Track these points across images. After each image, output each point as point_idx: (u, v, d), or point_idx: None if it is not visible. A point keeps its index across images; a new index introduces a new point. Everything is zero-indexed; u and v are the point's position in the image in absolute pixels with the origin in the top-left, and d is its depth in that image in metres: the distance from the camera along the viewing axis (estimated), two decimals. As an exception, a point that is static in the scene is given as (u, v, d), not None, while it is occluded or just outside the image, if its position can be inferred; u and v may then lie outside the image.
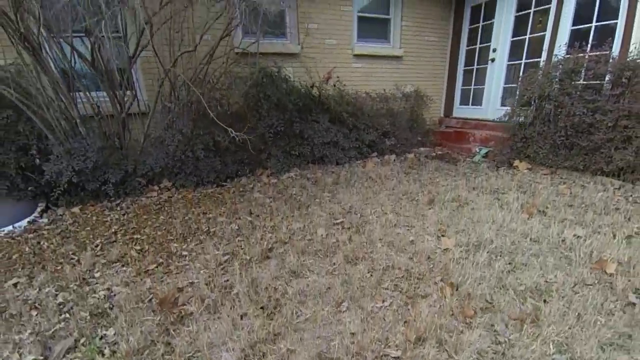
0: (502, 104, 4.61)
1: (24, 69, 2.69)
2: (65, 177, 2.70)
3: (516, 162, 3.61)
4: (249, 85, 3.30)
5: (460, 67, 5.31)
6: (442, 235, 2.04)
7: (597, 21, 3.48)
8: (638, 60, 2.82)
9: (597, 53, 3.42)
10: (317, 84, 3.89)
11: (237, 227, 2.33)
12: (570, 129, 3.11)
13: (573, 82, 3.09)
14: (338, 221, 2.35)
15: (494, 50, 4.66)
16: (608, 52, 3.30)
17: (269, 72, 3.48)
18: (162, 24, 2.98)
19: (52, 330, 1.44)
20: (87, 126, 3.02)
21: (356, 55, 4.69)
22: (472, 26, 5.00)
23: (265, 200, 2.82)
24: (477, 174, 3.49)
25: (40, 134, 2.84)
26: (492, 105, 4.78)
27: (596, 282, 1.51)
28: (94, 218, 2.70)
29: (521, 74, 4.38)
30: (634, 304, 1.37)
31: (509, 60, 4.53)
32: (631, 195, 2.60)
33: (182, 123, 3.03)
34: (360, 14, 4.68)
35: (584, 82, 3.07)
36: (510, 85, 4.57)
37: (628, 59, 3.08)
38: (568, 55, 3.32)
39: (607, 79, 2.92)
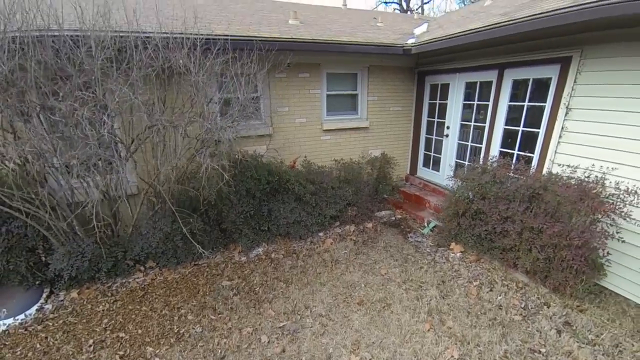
0: (454, 176, 5.16)
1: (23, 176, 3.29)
2: (66, 274, 3.34)
3: (452, 244, 4.19)
4: (221, 185, 3.88)
5: (423, 134, 5.86)
6: (355, 350, 2.64)
7: (523, 126, 4.02)
8: (541, 182, 3.36)
9: (524, 154, 4.00)
10: (283, 170, 4.45)
11: (200, 329, 2.94)
12: (489, 228, 3.68)
13: (492, 192, 3.63)
14: (281, 325, 2.96)
15: (448, 128, 5.20)
16: (528, 166, 3.87)
17: (244, 164, 4.08)
18: (145, 138, 3.56)
19: None
20: (81, 213, 3.62)
21: (325, 130, 5.25)
22: (432, 101, 5.53)
23: (229, 293, 3.43)
24: (417, 257, 4.07)
25: (45, 236, 3.46)
26: (446, 174, 5.33)
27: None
28: (89, 306, 3.33)
29: (468, 154, 4.95)
30: None
31: (458, 140, 5.08)
32: (525, 300, 3.18)
33: (163, 222, 3.63)
34: (329, 93, 5.23)
35: (502, 193, 3.61)
36: (460, 160, 5.12)
37: (544, 174, 3.63)
38: (494, 164, 3.88)
39: (519, 193, 3.45)
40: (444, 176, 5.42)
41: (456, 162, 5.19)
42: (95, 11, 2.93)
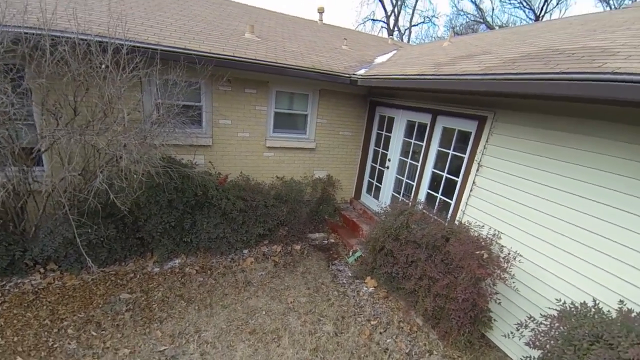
0: (390, 207, 5.27)
1: None
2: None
3: (368, 279, 4.28)
4: (140, 193, 3.78)
5: (369, 162, 5.96)
6: (223, 384, 2.63)
7: (447, 173, 4.16)
8: (445, 233, 3.47)
9: (445, 199, 4.15)
10: (210, 184, 4.39)
11: (75, 346, 2.85)
12: (398, 269, 3.77)
13: (403, 235, 3.72)
14: (162, 349, 2.91)
15: (389, 160, 5.31)
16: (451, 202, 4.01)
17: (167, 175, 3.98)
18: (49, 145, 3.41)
19: None
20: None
21: (269, 147, 5.24)
22: (379, 131, 5.64)
23: (123, 307, 3.34)
24: (330, 287, 4.12)
25: None
26: (383, 204, 5.44)
27: None
28: (-27, 306, 3.17)
29: (402, 189, 5.08)
30: None
31: (397, 173, 5.20)
32: (412, 346, 3.28)
33: (65, 227, 3.50)
34: (278, 110, 5.22)
35: (411, 237, 3.72)
36: (395, 193, 5.25)
37: (456, 222, 3.76)
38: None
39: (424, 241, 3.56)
40: (382, 205, 5.52)
41: (393, 194, 5.31)
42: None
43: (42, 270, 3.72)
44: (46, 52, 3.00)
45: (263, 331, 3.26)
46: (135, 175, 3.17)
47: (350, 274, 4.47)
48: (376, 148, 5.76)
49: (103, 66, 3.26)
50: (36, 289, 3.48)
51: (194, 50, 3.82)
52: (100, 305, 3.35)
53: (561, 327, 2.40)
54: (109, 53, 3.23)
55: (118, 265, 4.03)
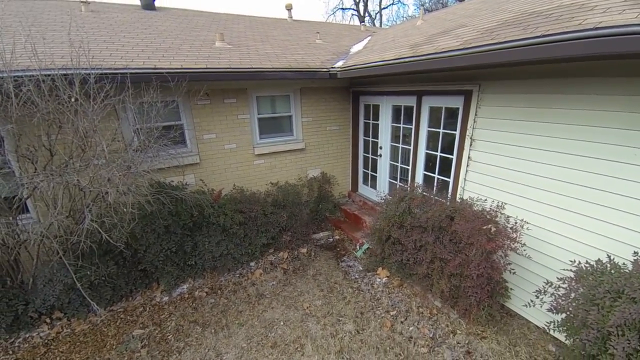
0: (390, 195, 5.24)
1: None
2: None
3: (379, 269, 4.25)
4: (134, 224, 3.65)
5: (361, 153, 5.91)
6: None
7: (441, 152, 4.13)
8: (448, 213, 3.46)
9: (442, 178, 4.13)
10: (206, 203, 4.27)
11: (95, 393, 2.76)
12: (407, 256, 3.75)
13: (407, 221, 3.70)
14: (185, 380, 2.84)
15: (381, 148, 5.27)
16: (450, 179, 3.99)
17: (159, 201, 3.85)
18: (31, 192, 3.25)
19: None
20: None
21: (258, 155, 5.13)
22: (366, 121, 5.58)
23: (138, 345, 3.24)
24: (344, 285, 4.08)
25: None
26: (382, 192, 5.39)
27: None
28: (-20, 371, 3.03)
29: (398, 174, 5.05)
30: None
31: (390, 160, 5.16)
32: (434, 329, 3.27)
33: (63, 273, 3.36)
34: (261, 116, 5.10)
35: (416, 222, 3.69)
36: (391, 180, 5.21)
37: (457, 199, 3.74)
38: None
39: (429, 224, 3.53)
40: (380, 194, 5.47)
41: (389, 181, 5.28)
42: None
43: (48, 320, 3.58)
44: (11, 95, 2.83)
45: (285, 342, 3.20)
46: (125, 209, 3.04)
47: (361, 268, 4.43)
48: (366, 138, 5.70)
49: (72, 100, 3.10)
50: (46, 341, 3.35)
51: (164, 68, 3.68)
52: (114, 347, 3.24)
53: (580, 288, 2.40)
54: (76, 85, 3.07)
55: (125, 302, 3.91)
